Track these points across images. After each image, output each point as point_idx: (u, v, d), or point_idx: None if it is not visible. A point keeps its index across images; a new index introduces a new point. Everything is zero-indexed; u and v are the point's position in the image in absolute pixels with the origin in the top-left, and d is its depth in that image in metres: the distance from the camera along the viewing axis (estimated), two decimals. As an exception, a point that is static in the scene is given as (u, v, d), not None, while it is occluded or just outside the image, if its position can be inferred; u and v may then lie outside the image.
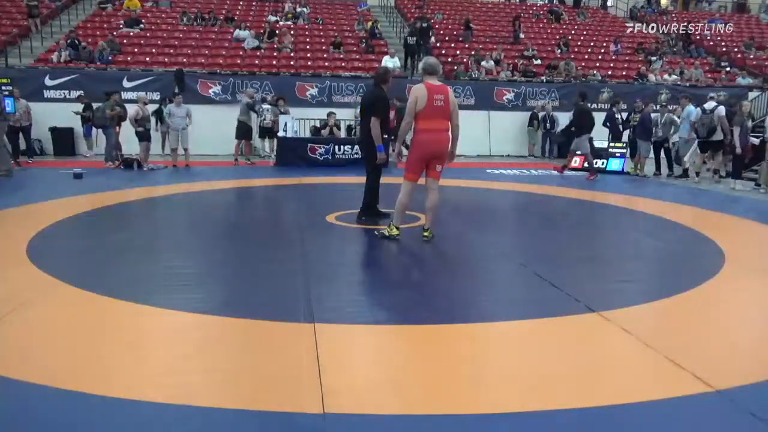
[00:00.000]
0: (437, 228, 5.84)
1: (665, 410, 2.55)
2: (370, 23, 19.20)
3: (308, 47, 17.88)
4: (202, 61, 16.33)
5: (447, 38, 19.51)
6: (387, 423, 2.42)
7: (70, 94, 14.37)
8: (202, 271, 4.73)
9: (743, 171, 11.22)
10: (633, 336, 3.35)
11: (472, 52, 17.79)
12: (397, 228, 5.75)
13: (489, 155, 16.18)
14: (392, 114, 10.95)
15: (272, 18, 19.17)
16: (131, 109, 11.93)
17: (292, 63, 16.73)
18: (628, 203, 8.78)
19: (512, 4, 24.18)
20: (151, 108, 12.88)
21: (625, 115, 14.28)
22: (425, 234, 5.74)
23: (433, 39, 18.26)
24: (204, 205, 8.21)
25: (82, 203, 7.60)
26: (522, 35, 19.78)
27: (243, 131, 12.96)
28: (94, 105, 12.59)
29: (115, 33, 16.86)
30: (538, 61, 18.23)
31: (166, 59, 16.09)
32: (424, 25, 17.84)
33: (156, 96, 14.21)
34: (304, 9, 19.92)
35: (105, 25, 17.82)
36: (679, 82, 17.88)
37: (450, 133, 5.59)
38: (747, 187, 10.59)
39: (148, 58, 16.09)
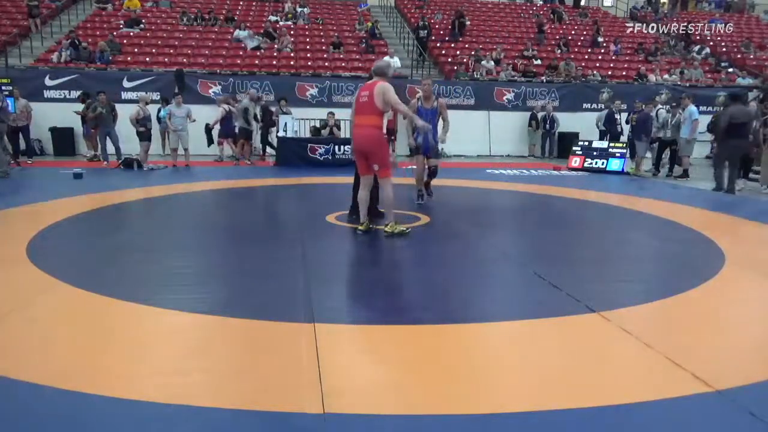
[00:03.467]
0: (439, 227, 5.84)
1: (665, 410, 2.55)
2: (370, 23, 19.22)
3: (308, 47, 17.89)
4: (202, 61, 16.34)
5: (447, 38, 19.52)
6: (387, 423, 2.42)
7: (70, 94, 14.38)
8: (202, 271, 4.73)
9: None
10: (633, 336, 3.34)
11: (472, 52, 17.81)
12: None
13: (489, 155, 16.19)
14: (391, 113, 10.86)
15: (272, 18, 19.18)
16: (132, 109, 11.94)
17: (292, 63, 16.74)
18: (628, 203, 8.77)
19: (514, 4, 24.19)
20: (155, 108, 12.90)
21: (625, 115, 14.31)
22: (385, 230, 5.85)
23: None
24: (204, 205, 8.22)
25: (82, 203, 7.60)
26: (601, 38, 19.96)
27: (242, 133, 13.03)
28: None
29: (115, 33, 16.86)
30: (538, 61, 18.23)
31: (166, 59, 16.10)
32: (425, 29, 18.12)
33: (156, 96, 14.22)
34: (304, 9, 19.92)
35: (105, 25, 17.83)
36: (679, 82, 17.89)
37: (377, 129, 5.60)
38: (747, 186, 10.59)
39: (148, 58, 16.10)
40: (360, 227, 6.00)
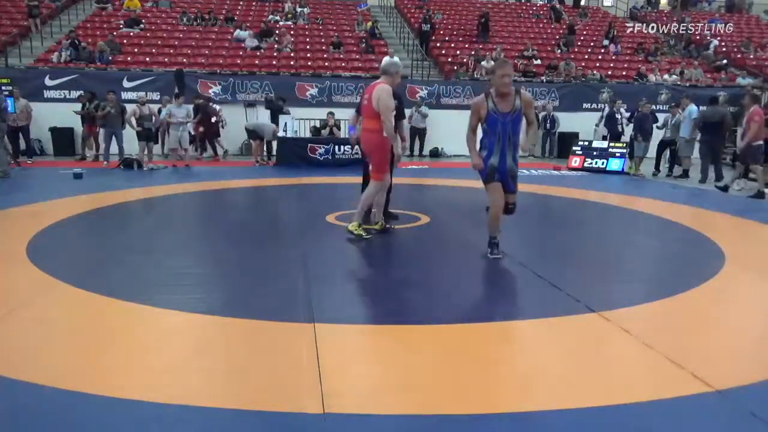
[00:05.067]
0: (439, 227, 5.80)
1: (665, 410, 2.55)
2: (370, 23, 19.21)
3: (308, 47, 17.89)
4: (202, 61, 16.33)
5: (447, 38, 19.51)
6: (387, 423, 2.42)
7: (70, 94, 14.38)
8: (201, 271, 4.72)
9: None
10: (633, 336, 3.35)
11: (472, 52, 17.80)
12: (360, 226, 5.76)
13: (489, 155, 16.16)
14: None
15: (272, 18, 19.18)
16: (129, 109, 11.95)
17: (292, 63, 16.74)
18: (628, 203, 8.77)
19: (523, 4, 24.16)
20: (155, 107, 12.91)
21: (627, 115, 14.29)
22: (348, 227, 5.77)
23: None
24: (204, 205, 8.22)
25: (82, 203, 7.60)
26: (607, 41, 19.96)
27: (253, 135, 13.19)
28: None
29: (115, 33, 16.86)
30: (538, 61, 18.22)
31: (166, 59, 16.09)
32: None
33: (156, 96, 14.21)
34: (304, 9, 19.92)
35: (105, 25, 17.82)
36: (679, 82, 17.88)
37: (376, 132, 5.50)
38: (747, 186, 10.58)
39: (148, 58, 16.09)
40: (375, 227, 6.01)
